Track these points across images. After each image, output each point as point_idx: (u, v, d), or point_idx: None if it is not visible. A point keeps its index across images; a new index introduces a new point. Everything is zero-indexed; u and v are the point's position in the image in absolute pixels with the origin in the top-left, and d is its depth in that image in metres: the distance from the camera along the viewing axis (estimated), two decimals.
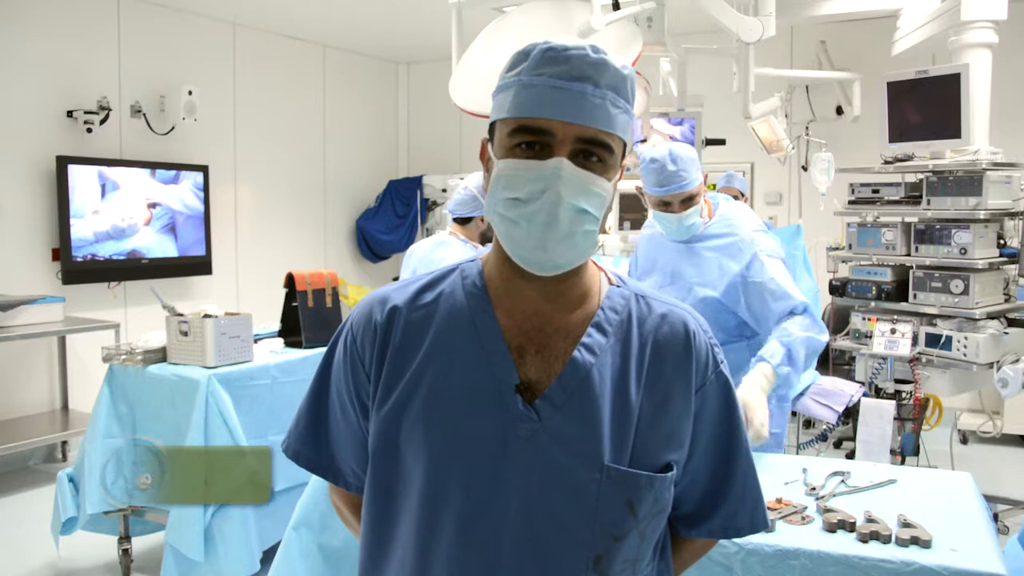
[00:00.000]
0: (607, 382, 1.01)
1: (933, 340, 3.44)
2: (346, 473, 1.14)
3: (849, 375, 4.16)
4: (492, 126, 1.03)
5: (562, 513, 0.99)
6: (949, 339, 3.38)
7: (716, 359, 1.09)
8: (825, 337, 2.33)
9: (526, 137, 0.97)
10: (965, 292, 3.38)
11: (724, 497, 1.12)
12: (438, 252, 3.15)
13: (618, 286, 1.09)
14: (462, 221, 3.21)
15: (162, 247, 5.34)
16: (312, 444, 1.15)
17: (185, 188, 5.47)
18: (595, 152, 0.97)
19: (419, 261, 3.21)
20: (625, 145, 1.02)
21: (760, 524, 1.15)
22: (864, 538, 1.61)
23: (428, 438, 1.01)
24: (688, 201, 2.43)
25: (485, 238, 3.21)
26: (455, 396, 1.01)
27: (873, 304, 3.73)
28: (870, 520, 1.66)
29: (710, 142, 4.49)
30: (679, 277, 2.56)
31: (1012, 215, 3.57)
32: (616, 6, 3.07)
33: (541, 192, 0.95)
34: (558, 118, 0.95)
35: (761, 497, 1.15)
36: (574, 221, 0.97)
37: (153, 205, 5.27)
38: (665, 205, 2.44)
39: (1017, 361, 3.25)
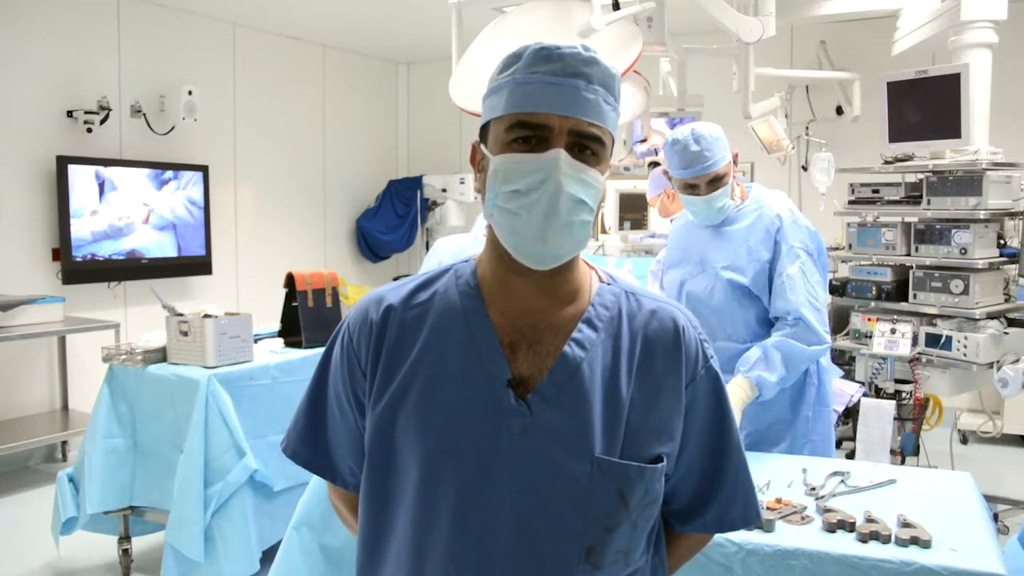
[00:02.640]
0: (597, 376, 1.04)
1: (933, 340, 3.44)
2: (343, 472, 1.16)
3: (849, 375, 4.16)
4: (484, 128, 1.06)
5: (554, 505, 1.01)
6: (949, 339, 3.38)
7: (706, 354, 1.11)
8: (816, 348, 2.23)
9: (523, 132, 1.00)
10: (965, 292, 3.38)
11: (716, 491, 1.14)
12: (472, 249, 3.19)
13: (608, 284, 1.11)
14: None
15: (162, 247, 5.34)
16: (310, 443, 1.17)
17: (185, 188, 5.47)
18: (589, 145, 1.01)
19: (453, 257, 3.22)
20: (614, 141, 1.06)
21: (752, 517, 1.17)
22: (864, 538, 1.61)
23: (422, 434, 1.03)
24: (715, 182, 2.27)
25: None
26: (449, 392, 1.03)
27: (873, 304, 3.73)
28: (870, 520, 1.67)
29: None
30: (707, 263, 2.40)
31: (1012, 215, 3.57)
32: (616, 6, 3.06)
33: (541, 183, 0.98)
34: (555, 112, 0.99)
35: (753, 491, 1.17)
36: (572, 211, 1.00)
37: (152, 205, 5.27)
38: (691, 188, 2.30)
39: (1017, 361, 3.25)
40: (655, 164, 4.05)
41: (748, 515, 1.16)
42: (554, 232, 0.99)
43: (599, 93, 1.00)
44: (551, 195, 0.98)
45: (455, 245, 3.25)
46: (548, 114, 0.99)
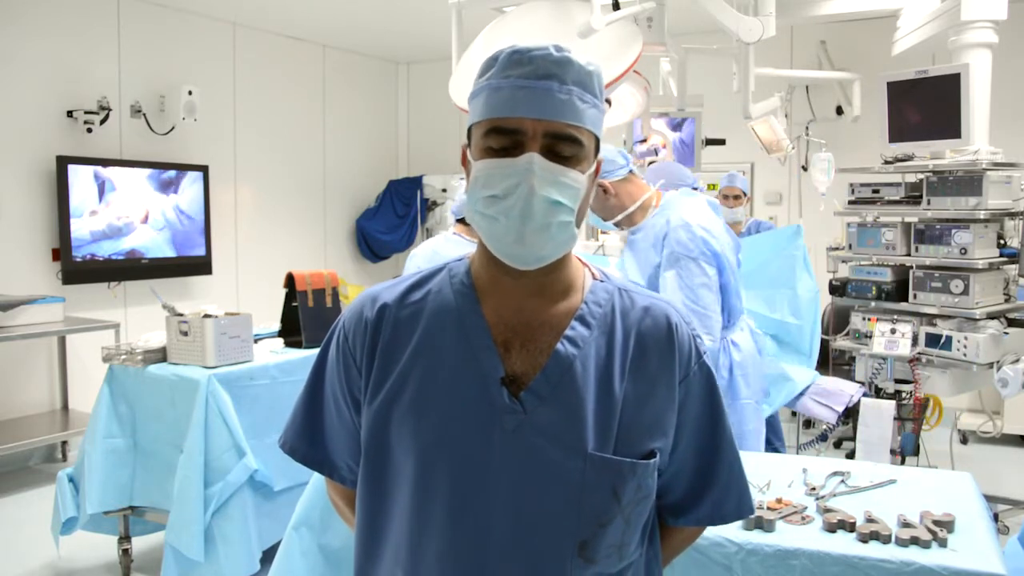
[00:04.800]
0: (591, 373, 1.05)
1: (933, 340, 3.44)
2: (341, 468, 1.18)
3: (849, 375, 4.15)
4: (470, 131, 1.08)
5: (548, 501, 1.03)
6: (949, 339, 3.38)
7: (699, 351, 1.12)
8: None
9: (499, 137, 1.01)
10: (965, 292, 3.38)
11: (711, 485, 1.16)
12: (444, 250, 3.21)
13: (601, 281, 1.12)
14: (464, 221, 3.29)
15: (161, 247, 5.34)
16: (307, 439, 1.19)
17: (185, 188, 5.47)
18: (565, 146, 1.01)
19: (427, 261, 3.24)
20: (598, 139, 1.06)
21: (746, 510, 1.19)
22: (864, 538, 1.61)
23: (417, 432, 1.05)
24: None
25: None
26: (443, 390, 1.05)
27: (873, 304, 3.73)
28: (870, 520, 1.66)
29: (710, 142, 4.49)
30: (623, 272, 2.45)
31: (1012, 215, 3.56)
32: (616, 6, 3.06)
33: (515, 187, 0.99)
34: (527, 116, 1.00)
35: (746, 484, 1.19)
36: (548, 212, 1.00)
37: (152, 205, 5.27)
38: None
39: (1017, 361, 3.25)
40: (655, 164, 4.05)
41: (742, 508, 1.18)
42: (531, 234, 1.00)
43: (573, 93, 1.00)
44: (525, 199, 0.99)
45: (428, 250, 3.29)
46: (521, 118, 0.99)
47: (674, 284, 2.28)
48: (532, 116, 0.99)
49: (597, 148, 1.07)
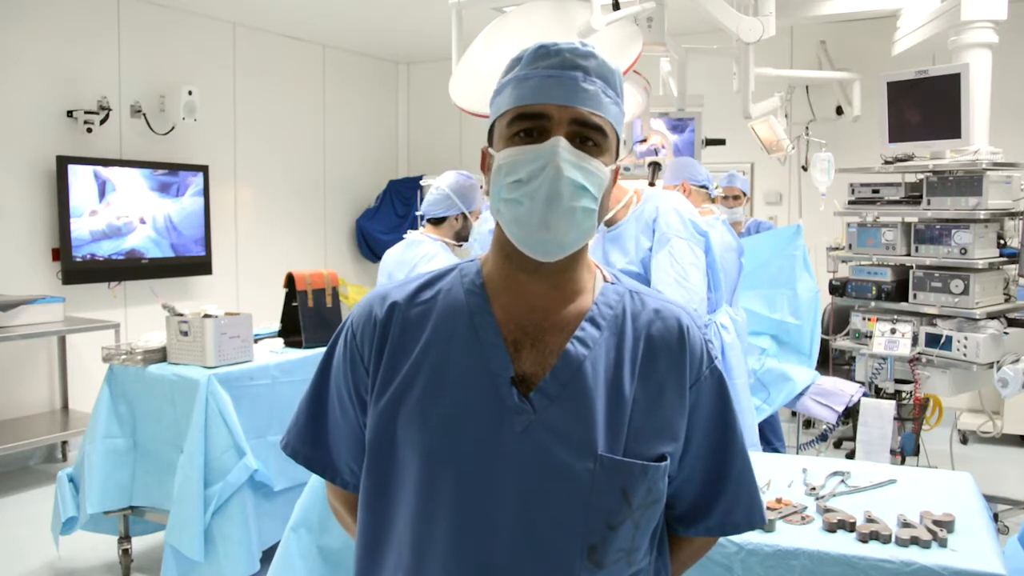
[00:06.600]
0: (600, 374, 1.03)
1: (933, 340, 3.44)
2: (343, 471, 1.16)
3: (849, 375, 4.16)
4: (491, 130, 1.08)
5: (557, 502, 1.01)
6: (949, 339, 3.38)
7: (710, 355, 1.10)
8: None
9: (524, 124, 1.02)
10: (965, 292, 3.38)
11: (720, 493, 1.13)
12: (410, 252, 3.19)
13: (613, 283, 1.11)
14: (436, 221, 3.25)
15: (161, 247, 5.34)
16: (310, 441, 1.17)
17: (185, 188, 5.47)
18: (590, 136, 1.02)
19: (395, 264, 3.22)
20: (619, 137, 1.07)
21: (757, 521, 1.16)
22: (864, 538, 1.61)
23: (424, 431, 1.03)
24: None
25: (460, 236, 3.27)
26: (451, 389, 1.03)
27: (873, 304, 3.73)
28: (870, 520, 1.67)
29: (710, 142, 4.48)
30: (607, 264, 2.50)
31: (1012, 215, 3.57)
32: (616, 6, 3.06)
33: (541, 169, 0.99)
34: (553, 102, 1.01)
35: (758, 493, 1.16)
36: (574, 196, 1.00)
37: (152, 205, 5.27)
38: None
39: (1017, 361, 3.25)
40: (655, 164, 4.05)
41: (752, 518, 1.16)
42: (556, 218, 0.99)
43: (597, 84, 1.02)
44: (552, 181, 0.98)
45: (395, 255, 3.28)
46: (547, 105, 1.00)
47: (665, 263, 2.34)
48: (558, 103, 1.00)
49: (617, 149, 1.07)
